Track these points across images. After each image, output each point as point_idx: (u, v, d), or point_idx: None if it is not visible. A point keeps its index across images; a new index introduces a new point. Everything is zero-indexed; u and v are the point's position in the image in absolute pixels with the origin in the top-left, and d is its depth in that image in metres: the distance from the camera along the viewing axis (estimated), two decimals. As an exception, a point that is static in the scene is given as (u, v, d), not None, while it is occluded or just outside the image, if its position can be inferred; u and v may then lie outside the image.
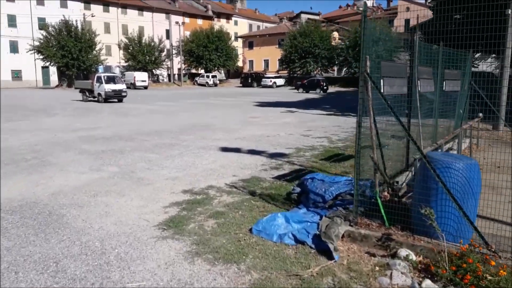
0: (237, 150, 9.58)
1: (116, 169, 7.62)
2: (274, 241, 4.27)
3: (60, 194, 5.95)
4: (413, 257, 3.83)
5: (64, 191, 6.11)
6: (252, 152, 9.38)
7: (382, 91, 4.47)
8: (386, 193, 4.77)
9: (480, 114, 9.71)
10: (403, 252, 3.89)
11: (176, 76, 60.36)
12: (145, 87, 47.32)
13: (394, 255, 3.94)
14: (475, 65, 43.55)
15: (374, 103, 4.41)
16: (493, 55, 31.29)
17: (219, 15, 73.72)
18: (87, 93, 27.89)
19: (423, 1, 71.20)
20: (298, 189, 5.57)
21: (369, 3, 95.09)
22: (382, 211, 4.40)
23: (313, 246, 4.14)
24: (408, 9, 70.76)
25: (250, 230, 4.52)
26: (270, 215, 4.61)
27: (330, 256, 3.92)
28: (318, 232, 4.26)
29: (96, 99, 27.22)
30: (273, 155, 8.97)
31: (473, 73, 24.72)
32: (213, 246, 4.14)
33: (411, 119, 6.46)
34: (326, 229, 4.18)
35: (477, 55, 43.44)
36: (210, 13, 71.57)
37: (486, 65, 44.94)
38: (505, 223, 4.15)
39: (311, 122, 15.50)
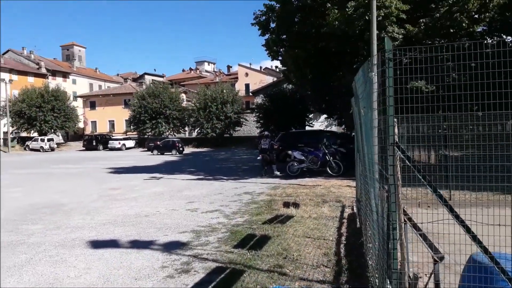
0: (114, 244, 7.00)
1: None
2: None
3: None
4: None
5: None
6: (137, 244, 6.94)
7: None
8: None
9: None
10: None
11: (2, 141, 51.26)
12: (-41, 156, 38.46)
13: None
14: (310, 124, 47.17)
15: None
16: (325, 115, 34.42)
17: (54, 73, 66.97)
18: None
19: (259, 68, 77.83)
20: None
21: (210, 68, 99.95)
22: None
23: None
24: (247, 74, 76.20)
25: None
26: None
27: None
28: None
29: None
30: (168, 247, 6.71)
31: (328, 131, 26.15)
32: None
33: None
34: None
35: (311, 115, 47.27)
36: (43, 70, 64.46)
37: (319, 124, 49.19)
38: None
39: (187, 191, 13.47)
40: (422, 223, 3.44)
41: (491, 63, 3.14)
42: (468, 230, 2.82)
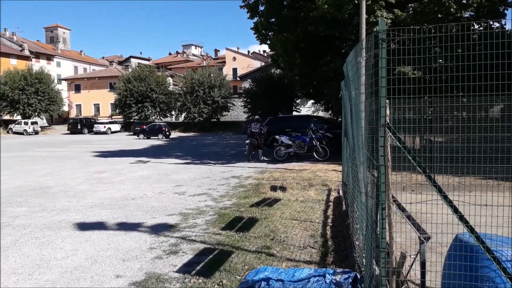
0: (101, 226, 6.96)
1: None
2: None
3: None
4: None
5: None
6: (125, 226, 6.92)
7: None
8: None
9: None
10: None
11: (-17, 124, 50.26)
12: None
13: None
14: (297, 109, 47.07)
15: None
16: (312, 101, 34.40)
17: (38, 55, 65.32)
18: None
19: (246, 53, 77.20)
20: (246, 300, 3.63)
21: (197, 52, 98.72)
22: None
23: None
24: (234, 59, 75.56)
25: None
26: None
27: None
28: None
29: None
30: (156, 229, 6.71)
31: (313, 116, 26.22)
32: None
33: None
34: None
35: (298, 100, 47.01)
36: (26, 52, 62.84)
37: (306, 109, 49.07)
38: None
39: (175, 175, 13.42)
40: (410, 203, 3.49)
41: (477, 48, 3.14)
42: (455, 210, 2.86)
